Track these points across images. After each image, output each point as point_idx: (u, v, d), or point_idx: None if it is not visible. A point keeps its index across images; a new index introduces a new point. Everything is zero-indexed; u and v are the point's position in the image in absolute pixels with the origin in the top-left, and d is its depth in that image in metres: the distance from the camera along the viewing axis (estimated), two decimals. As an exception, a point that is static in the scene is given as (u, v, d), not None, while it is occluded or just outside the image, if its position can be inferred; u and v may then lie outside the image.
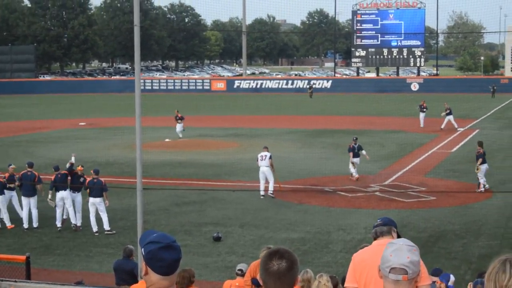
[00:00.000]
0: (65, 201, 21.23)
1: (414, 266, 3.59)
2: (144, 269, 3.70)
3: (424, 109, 48.88)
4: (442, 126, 46.76)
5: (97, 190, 20.86)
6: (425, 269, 5.47)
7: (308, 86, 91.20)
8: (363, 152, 29.31)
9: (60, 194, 21.18)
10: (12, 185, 21.92)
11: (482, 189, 25.60)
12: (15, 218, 21.83)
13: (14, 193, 22.16)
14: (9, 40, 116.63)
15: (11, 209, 21.98)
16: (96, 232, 20.66)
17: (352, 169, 28.73)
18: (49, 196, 21.42)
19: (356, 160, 28.86)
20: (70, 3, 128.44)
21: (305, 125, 51.24)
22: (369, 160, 29.99)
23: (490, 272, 3.39)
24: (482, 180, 25.69)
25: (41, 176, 22.20)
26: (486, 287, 3.38)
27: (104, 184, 21.03)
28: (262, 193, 25.53)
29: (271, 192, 25.52)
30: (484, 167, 25.68)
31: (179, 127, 43.32)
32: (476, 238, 19.76)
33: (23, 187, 21.71)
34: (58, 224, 21.19)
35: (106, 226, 20.79)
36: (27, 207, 21.54)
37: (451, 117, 47.00)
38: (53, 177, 21.53)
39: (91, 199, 20.88)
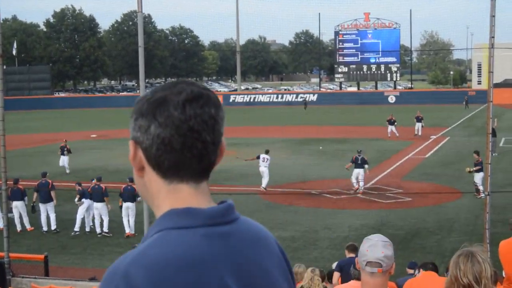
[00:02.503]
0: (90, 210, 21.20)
1: (388, 260, 3.64)
2: None
3: (394, 122, 46.91)
4: (420, 133, 46.80)
5: (99, 195, 20.81)
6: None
7: (303, 100, 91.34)
8: (366, 166, 26.38)
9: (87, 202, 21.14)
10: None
11: (483, 195, 24.53)
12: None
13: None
14: (27, 61, 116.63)
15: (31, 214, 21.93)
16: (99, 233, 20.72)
17: (353, 180, 26.55)
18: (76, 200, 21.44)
19: (359, 171, 26.21)
20: (82, 27, 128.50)
21: (294, 135, 51.17)
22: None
23: (450, 265, 3.48)
24: (481, 187, 24.23)
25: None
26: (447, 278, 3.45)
27: (105, 190, 20.87)
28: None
29: (264, 187, 27.30)
30: (481, 175, 24.03)
31: (65, 160, 34.08)
32: (448, 234, 19.82)
33: (40, 194, 21.55)
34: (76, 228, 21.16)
35: (105, 228, 20.83)
36: (45, 213, 21.49)
37: (419, 124, 47.01)
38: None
39: (95, 204, 20.81)
